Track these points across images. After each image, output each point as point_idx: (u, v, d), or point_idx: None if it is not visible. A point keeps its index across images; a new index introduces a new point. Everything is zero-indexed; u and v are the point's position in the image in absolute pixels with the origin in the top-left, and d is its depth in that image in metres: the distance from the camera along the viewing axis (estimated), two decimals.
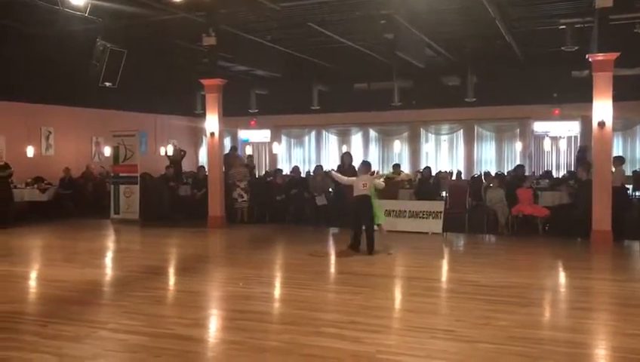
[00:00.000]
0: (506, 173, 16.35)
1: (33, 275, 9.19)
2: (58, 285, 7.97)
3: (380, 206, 10.97)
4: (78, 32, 13.89)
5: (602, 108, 10.94)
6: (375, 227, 10.55)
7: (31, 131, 16.55)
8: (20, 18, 13.27)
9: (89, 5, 11.88)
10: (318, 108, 20.47)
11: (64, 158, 16.94)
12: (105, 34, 14.42)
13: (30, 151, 16.17)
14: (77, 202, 16.01)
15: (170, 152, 18.79)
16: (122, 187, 15.50)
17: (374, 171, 12.16)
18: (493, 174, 16.08)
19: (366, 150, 21.51)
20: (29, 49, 14.24)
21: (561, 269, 9.56)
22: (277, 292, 8.00)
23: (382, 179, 11.19)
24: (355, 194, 10.28)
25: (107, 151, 17.74)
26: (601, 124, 10.93)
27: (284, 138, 22.96)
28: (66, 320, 6.14)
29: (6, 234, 12.86)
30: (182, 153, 18.06)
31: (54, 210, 15.35)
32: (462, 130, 20.49)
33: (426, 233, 12.33)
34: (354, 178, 10.71)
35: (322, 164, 17.79)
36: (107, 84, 14.89)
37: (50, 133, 17.18)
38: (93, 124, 18.39)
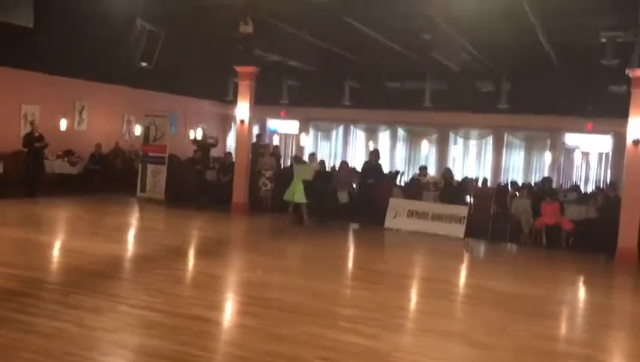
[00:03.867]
0: (533, 184, 16.15)
1: (58, 245, 9.40)
2: (82, 257, 8.14)
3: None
4: (119, 11, 14.06)
5: (638, 126, 10.75)
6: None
7: (65, 105, 16.83)
8: None
9: None
10: (348, 103, 20.44)
11: (95, 134, 17.20)
12: (145, 14, 14.59)
13: (63, 124, 16.44)
14: (105, 178, 16.26)
15: (200, 136, 18.95)
16: (150, 166, 15.72)
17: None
18: (519, 184, 15.93)
19: (393, 149, 21.40)
20: (70, 24, 14.46)
21: (582, 284, 9.45)
22: (295, 282, 8.04)
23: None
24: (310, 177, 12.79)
25: (138, 130, 17.97)
26: (636, 142, 10.74)
27: (312, 131, 22.98)
28: (87, 291, 6.28)
29: (35, 204, 13.15)
30: (212, 142, 18.11)
31: (83, 183, 15.63)
32: (491, 137, 20.26)
33: (448, 236, 12.27)
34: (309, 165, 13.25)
35: (347, 160, 17.77)
36: (143, 63, 15.07)
37: (83, 107, 17.45)
38: (126, 102, 18.62)
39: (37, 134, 14.02)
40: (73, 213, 12.83)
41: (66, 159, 15.75)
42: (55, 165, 15.34)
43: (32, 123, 14.45)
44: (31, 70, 15.19)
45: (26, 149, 13.90)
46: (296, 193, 12.69)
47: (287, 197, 12.91)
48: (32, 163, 13.94)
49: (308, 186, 12.64)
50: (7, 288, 6.25)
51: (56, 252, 8.91)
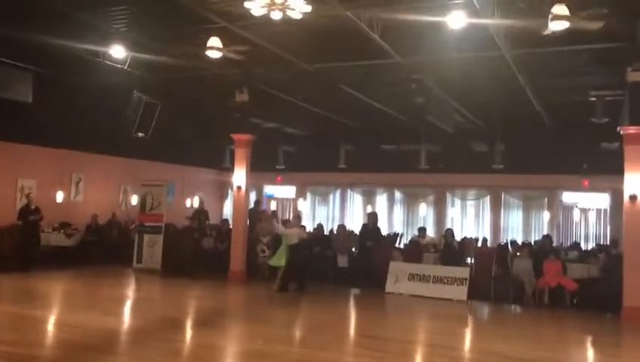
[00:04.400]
0: (533, 243, 16.06)
1: (52, 320, 9.18)
2: (77, 331, 7.93)
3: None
4: (116, 84, 14.37)
5: (634, 181, 10.77)
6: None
7: (62, 177, 16.87)
8: (64, 70, 13.78)
9: (129, 58, 12.35)
10: (344, 167, 20.59)
11: (92, 205, 17.15)
12: (141, 86, 14.88)
13: (60, 196, 16.42)
14: (102, 249, 16.09)
15: (196, 205, 18.94)
16: (146, 236, 15.60)
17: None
18: (519, 243, 15.83)
19: (391, 211, 21.40)
20: (67, 98, 14.70)
21: (589, 344, 9.22)
22: (296, 352, 7.82)
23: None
24: (295, 241, 12.34)
25: (134, 199, 17.95)
26: (633, 198, 10.73)
27: (309, 195, 23.02)
28: None
29: (30, 277, 12.92)
30: (203, 209, 18.02)
31: (79, 255, 15.42)
32: (488, 197, 20.32)
33: (451, 299, 12.06)
34: (293, 229, 12.74)
35: (345, 223, 17.74)
36: (140, 134, 15.24)
37: (80, 179, 17.47)
38: (123, 172, 18.69)
39: (33, 207, 13.97)
40: (69, 286, 12.61)
41: (62, 231, 15.63)
42: (51, 237, 15.21)
43: (27, 196, 14.43)
44: (28, 144, 15.32)
45: (20, 222, 13.82)
46: (276, 257, 12.56)
47: (272, 262, 12.76)
48: (27, 236, 13.82)
49: (293, 249, 12.31)
50: None
51: (50, 326, 8.69)
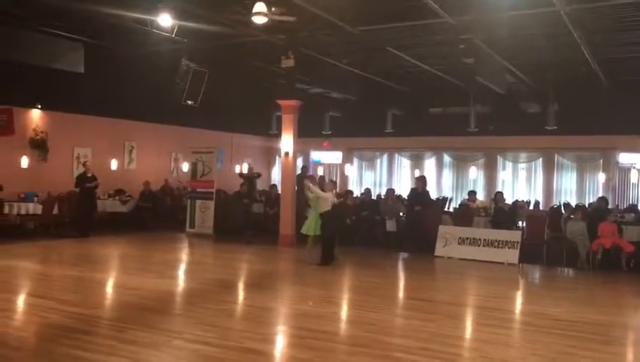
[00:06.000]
0: (587, 205, 15.64)
1: (111, 282, 9.56)
2: (135, 293, 8.24)
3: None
4: (164, 53, 14.57)
5: None
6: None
7: (115, 145, 17.36)
8: (113, 40, 14.05)
9: (176, 26, 12.47)
10: (391, 131, 20.41)
11: (145, 172, 17.62)
12: (189, 54, 15.04)
13: (114, 164, 16.93)
14: (155, 215, 16.58)
15: (245, 171, 19.20)
16: (198, 202, 15.97)
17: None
18: (573, 205, 15.43)
19: (439, 175, 21.16)
20: (117, 68, 15.03)
21: None
22: (346, 313, 7.94)
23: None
24: (325, 208, 11.27)
25: (185, 166, 18.34)
26: None
27: (356, 160, 22.99)
28: (142, 327, 6.33)
29: (88, 242, 13.49)
30: (256, 175, 18.36)
31: (133, 221, 15.97)
32: (541, 159, 19.82)
33: (502, 263, 11.93)
34: (328, 193, 11.58)
35: (393, 188, 17.66)
36: (189, 102, 15.46)
37: (133, 147, 17.95)
38: (173, 140, 19.08)
39: (89, 175, 14.45)
40: (125, 250, 13.09)
41: (117, 198, 16.15)
42: (107, 204, 15.75)
43: (84, 164, 14.93)
44: (83, 114, 15.78)
45: (78, 190, 14.33)
46: (307, 225, 11.67)
47: (303, 230, 11.81)
48: (85, 203, 14.35)
49: (324, 219, 11.31)
50: (66, 325, 6.37)
51: (110, 289, 9.06)
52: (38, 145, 14.99)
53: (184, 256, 13.17)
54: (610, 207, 14.80)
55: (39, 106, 15.05)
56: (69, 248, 12.78)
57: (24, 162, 14.49)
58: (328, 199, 11.42)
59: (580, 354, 5.93)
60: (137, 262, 11.70)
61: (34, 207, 13.83)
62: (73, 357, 5.26)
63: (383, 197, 16.11)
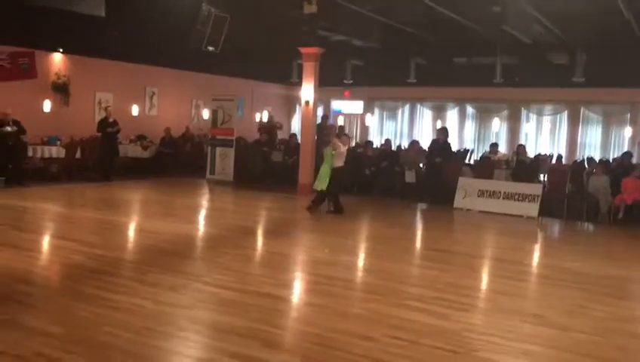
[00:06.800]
0: (611, 160, 15.39)
1: (134, 226, 9.75)
2: (157, 237, 8.41)
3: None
4: None
5: None
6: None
7: (136, 91, 17.38)
8: None
9: None
10: (414, 81, 20.07)
11: (165, 119, 17.69)
12: None
13: (135, 109, 16.99)
14: (176, 161, 16.73)
15: (265, 119, 19.17)
16: (219, 149, 16.06)
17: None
18: (597, 160, 15.21)
19: (462, 127, 20.93)
20: (138, 12, 14.84)
21: None
22: (362, 261, 8.02)
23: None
24: (339, 164, 11.12)
25: (206, 114, 18.36)
26: None
27: (377, 110, 22.77)
28: (163, 270, 6.47)
29: (110, 186, 13.71)
30: (278, 124, 18.31)
31: (154, 166, 16.16)
32: (566, 112, 19.44)
33: (521, 216, 11.89)
34: (344, 148, 11.33)
35: (415, 139, 17.52)
36: (210, 48, 15.31)
37: (154, 93, 17.96)
38: (194, 87, 19.03)
39: (111, 120, 14.54)
40: (146, 195, 13.29)
41: (138, 143, 16.29)
42: (128, 149, 15.91)
43: (106, 109, 15.01)
44: (104, 58, 15.75)
45: (99, 134, 14.46)
46: (319, 180, 11.39)
47: (315, 185, 11.62)
48: (107, 147, 14.50)
49: (335, 175, 11.12)
50: (91, 266, 6.54)
51: (132, 232, 9.25)
52: (60, 89, 15.06)
53: (204, 201, 13.34)
54: (635, 162, 14.56)
55: (61, 50, 15.04)
56: (91, 192, 13.01)
57: (46, 106, 14.61)
58: (344, 155, 11.31)
59: (594, 307, 5.95)
60: (159, 206, 11.89)
61: (57, 151, 14.04)
62: (97, 297, 5.42)
63: (403, 148, 16.01)
